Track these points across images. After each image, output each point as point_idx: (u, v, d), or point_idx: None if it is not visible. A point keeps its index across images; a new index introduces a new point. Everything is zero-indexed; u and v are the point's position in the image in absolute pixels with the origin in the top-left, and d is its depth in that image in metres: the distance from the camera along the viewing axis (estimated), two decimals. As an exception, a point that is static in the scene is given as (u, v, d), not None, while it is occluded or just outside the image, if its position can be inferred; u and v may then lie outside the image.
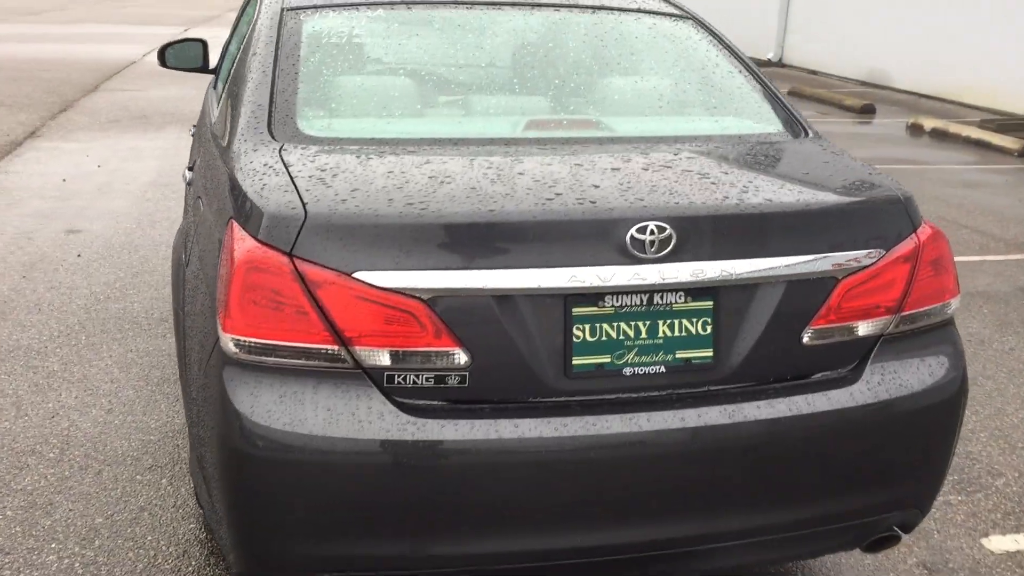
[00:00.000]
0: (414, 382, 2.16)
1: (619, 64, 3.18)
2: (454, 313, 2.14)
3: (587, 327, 2.22)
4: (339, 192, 2.21)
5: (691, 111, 3.05)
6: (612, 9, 3.36)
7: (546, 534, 2.21)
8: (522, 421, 2.16)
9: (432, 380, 2.16)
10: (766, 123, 2.97)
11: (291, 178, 2.28)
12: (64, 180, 7.92)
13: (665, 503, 2.25)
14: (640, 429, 2.19)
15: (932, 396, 2.44)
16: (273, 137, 2.54)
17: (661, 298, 2.25)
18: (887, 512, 2.51)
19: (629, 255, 2.18)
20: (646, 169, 2.43)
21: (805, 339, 2.35)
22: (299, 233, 2.11)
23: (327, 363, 2.13)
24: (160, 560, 3.03)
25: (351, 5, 3.18)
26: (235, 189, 2.36)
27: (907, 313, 2.45)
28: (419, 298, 2.12)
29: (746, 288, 2.29)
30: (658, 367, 2.27)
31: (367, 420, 2.11)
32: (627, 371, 2.25)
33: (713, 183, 2.37)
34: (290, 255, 2.11)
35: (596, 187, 2.29)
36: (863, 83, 16.14)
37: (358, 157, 2.43)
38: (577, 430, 2.17)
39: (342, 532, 2.17)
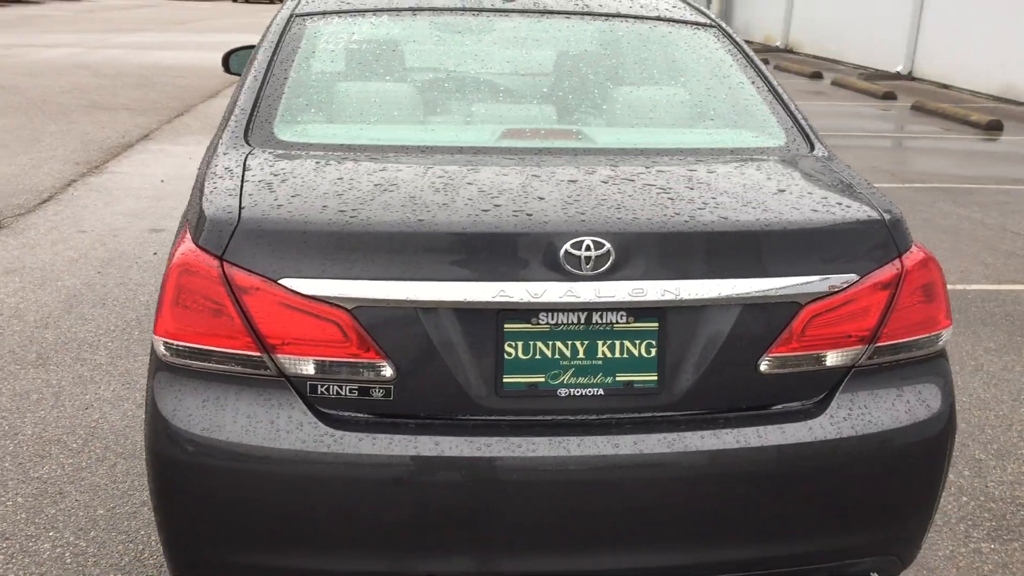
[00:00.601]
0: (338, 393, 2.13)
1: (617, 74, 3.08)
2: (379, 325, 2.09)
3: (519, 344, 2.14)
4: (279, 198, 2.19)
5: (685, 123, 2.92)
6: (626, 17, 3.25)
7: (459, 557, 2.13)
8: (444, 439, 2.10)
9: (356, 392, 2.12)
10: (768, 137, 2.81)
11: (241, 183, 2.28)
12: (162, 181, 8.24)
13: (590, 534, 2.14)
14: (568, 454, 2.10)
15: (908, 435, 2.26)
16: (247, 142, 2.56)
17: (601, 317, 2.15)
18: (855, 558, 2.33)
19: (563, 271, 2.09)
20: (605, 182, 2.33)
21: (763, 367, 2.21)
22: (231, 238, 2.11)
23: (250, 370, 2.12)
24: (146, 555, 3.08)
25: (360, 12, 3.18)
26: (194, 193, 2.38)
27: (884, 344, 2.27)
28: (343, 308, 2.08)
29: (696, 310, 2.17)
30: (596, 389, 2.17)
31: (285, 430, 2.09)
32: (562, 392, 2.16)
33: (671, 199, 2.25)
34: (221, 259, 2.11)
35: (541, 199, 2.21)
36: (996, 98, 15.31)
37: (317, 163, 2.42)
38: (501, 451, 2.09)
39: (260, 542, 2.15)
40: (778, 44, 23.79)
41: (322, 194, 2.21)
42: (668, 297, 2.12)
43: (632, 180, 2.36)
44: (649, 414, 2.19)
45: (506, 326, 2.13)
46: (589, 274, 2.09)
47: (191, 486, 2.13)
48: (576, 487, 2.11)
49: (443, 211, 2.14)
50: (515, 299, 2.08)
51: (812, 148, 2.78)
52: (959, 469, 3.80)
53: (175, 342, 2.13)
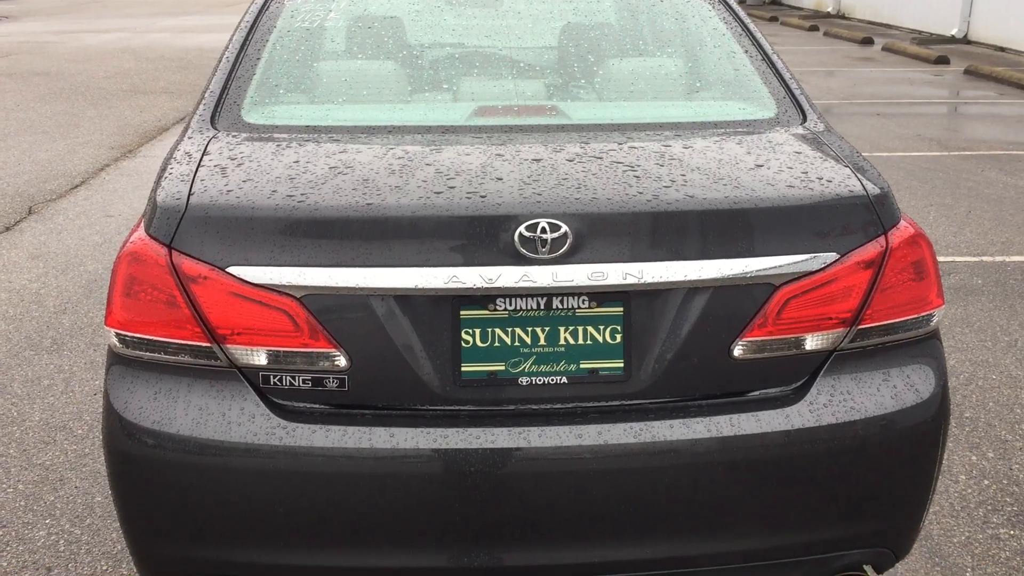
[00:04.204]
0: (291, 384, 2.07)
1: (600, 46, 2.96)
2: (330, 313, 2.03)
3: (477, 331, 2.05)
4: (230, 183, 2.13)
5: (670, 96, 2.79)
6: None
7: (417, 552, 2.06)
8: (400, 431, 2.03)
9: (310, 383, 2.06)
10: (757, 108, 2.68)
11: (196, 169, 2.22)
12: (194, 164, 8.27)
13: (553, 527, 2.06)
14: (528, 445, 2.01)
15: (894, 422, 2.13)
16: (213, 125, 2.50)
17: (562, 302, 2.06)
18: (841, 551, 2.22)
19: (518, 255, 2.00)
20: (571, 160, 2.23)
21: (736, 352, 2.10)
22: (178, 225, 2.05)
23: (201, 361, 2.07)
24: (138, 543, 3.07)
25: None
26: (155, 181, 2.33)
27: (868, 326, 2.15)
28: (292, 296, 2.02)
29: (662, 294, 2.06)
30: (559, 378, 2.08)
31: (236, 422, 2.03)
32: (523, 380, 2.08)
33: (637, 176, 2.15)
34: (169, 247, 2.05)
35: (499, 180, 2.11)
36: (1056, 60, 14.76)
37: (278, 146, 2.35)
38: (458, 443, 2.01)
39: (218, 538, 2.10)
40: (829, 10, 23.20)
41: (274, 178, 2.15)
42: (631, 281, 2.02)
43: (600, 158, 2.25)
44: (616, 403, 2.10)
45: (462, 313, 2.04)
46: (546, 257, 2.00)
47: (145, 482, 2.09)
48: (537, 479, 2.03)
49: (394, 194, 2.06)
50: (468, 285, 2.00)
51: (804, 119, 2.64)
52: (982, 451, 3.64)
53: (126, 333, 2.09)
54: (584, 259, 2.01)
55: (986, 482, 3.44)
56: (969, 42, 17.16)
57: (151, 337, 2.07)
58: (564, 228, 2.00)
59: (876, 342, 2.17)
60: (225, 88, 2.63)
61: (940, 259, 5.81)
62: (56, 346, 4.55)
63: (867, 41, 17.65)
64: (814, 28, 20.13)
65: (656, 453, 2.03)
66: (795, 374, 2.14)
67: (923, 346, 2.23)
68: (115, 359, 2.15)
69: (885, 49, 16.66)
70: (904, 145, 9.04)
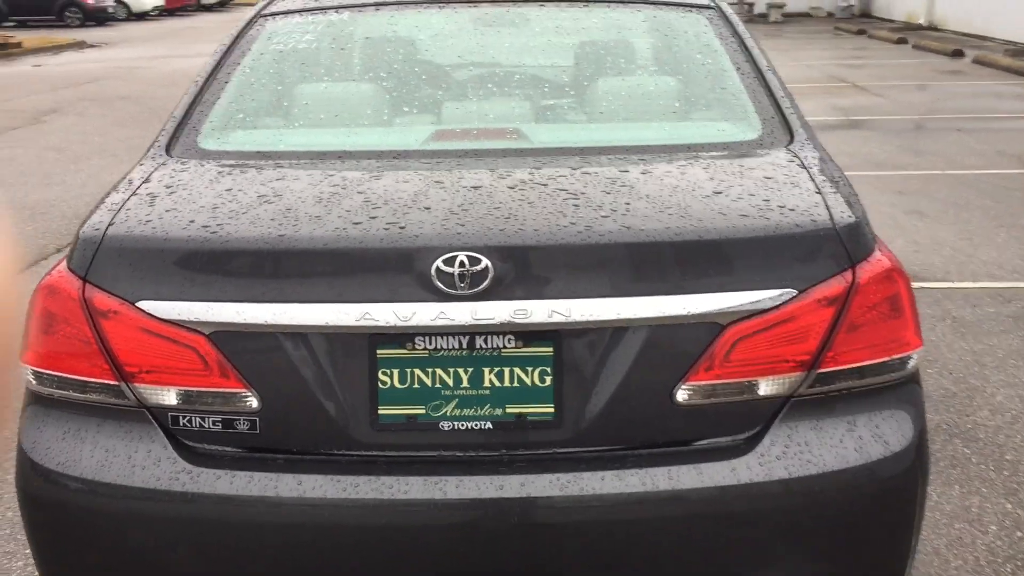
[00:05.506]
0: (201, 425, 1.96)
1: (578, 66, 2.80)
2: (240, 351, 1.92)
3: (395, 372, 1.92)
4: (152, 213, 2.04)
5: (648, 117, 2.61)
6: (606, 1, 2.96)
7: None
8: (309, 478, 1.90)
9: (220, 424, 1.95)
10: (740, 128, 2.49)
11: (129, 197, 2.15)
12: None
13: None
14: (444, 496, 1.86)
15: (857, 478, 1.92)
16: (168, 152, 2.43)
17: (485, 341, 1.91)
18: None
19: (435, 290, 1.86)
20: (512, 187, 2.08)
21: (680, 397, 1.92)
22: (93, 257, 1.98)
23: (111, 399, 1.98)
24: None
25: (322, 9, 3.01)
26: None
27: (830, 370, 1.94)
28: (200, 332, 1.91)
29: (596, 333, 1.90)
30: (483, 423, 1.93)
31: (141, 465, 1.93)
32: (445, 425, 1.93)
33: (576, 205, 1.98)
34: (84, 280, 1.97)
35: (426, 210, 1.98)
36: None
37: (219, 173, 2.26)
38: (368, 493, 1.87)
39: None
40: (920, 21, 22.47)
41: (198, 208, 2.05)
42: (558, 319, 1.86)
43: (545, 185, 2.10)
44: (546, 451, 1.93)
45: (379, 352, 1.91)
46: (465, 293, 1.85)
47: (52, 524, 2.01)
48: (447, 534, 1.88)
49: (310, 225, 1.94)
50: (381, 322, 1.86)
51: (791, 140, 2.43)
52: (1020, 498, 3.34)
53: (41, 370, 2.01)
54: (507, 295, 1.86)
55: (1019, 534, 3.14)
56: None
57: (62, 374, 1.99)
58: (485, 262, 1.85)
59: (841, 387, 1.96)
60: (187, 113, 2.57)
61: (1001, 284, 5.45)
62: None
63: (957, 53, 16.99)
64: (902, 41, 19.48)
65: (580, 508, 1.86)
66: (747, 422, 1.95)
67: (897, 392, 2.01)
68: (31, 397, 2.08)
69: (976, 62, 16.00)
70: (982, 162, 8.59)
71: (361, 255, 1.89)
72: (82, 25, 29.72)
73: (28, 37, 23.44)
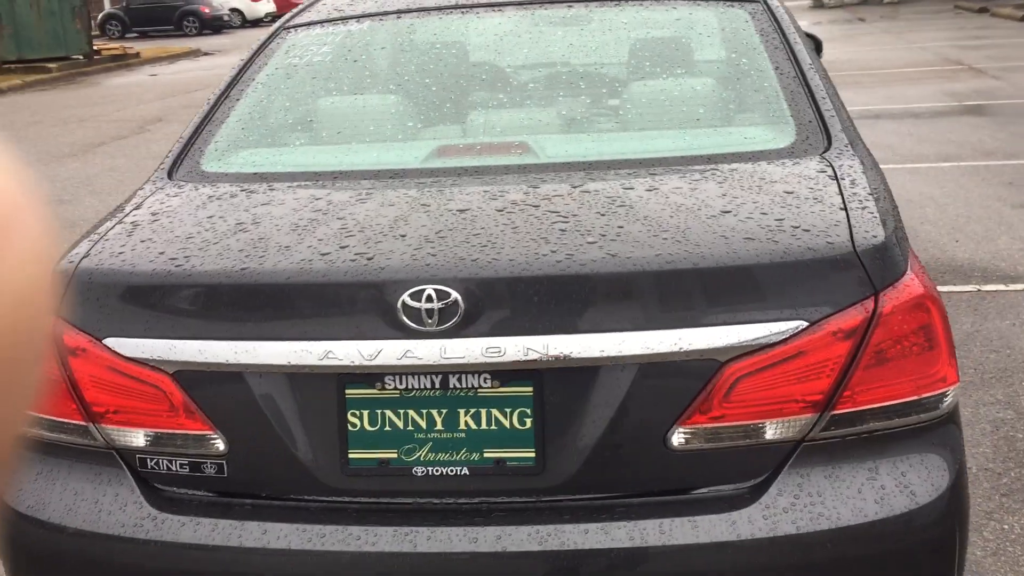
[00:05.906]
0: (169, 468, 1.87)
1: (596, 71, 2.61)
2: (205, 391, 1.82)
3: (365, 413, 1.79)
4: (127, 244, 1.96)
5: (672, 125, 2.40)
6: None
7: None
8: (274, 526, 1.79)
9: (187, 467, 1.86)
10: (772, 135, 2.26)
11: (114, 226, 2.08)
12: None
13: None
14: (413, 550, 1.72)
15: (877, 533, 1.69)
16: (170, 176, 2.36)
17: (460, 381, 1.76)
18: None
19: (402, 327, 1.72)
20: (500, 210, 1.92)
21: (675, 441, 1.73)
22: (65, 291, 1.91)
23: (79, 440, 1.91)
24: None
25: (344, 19, 2.90)
26: None
27: (846, 411, 1.72)
28: (164, 372, 1.82)
29: (580, 372, 1.73)
30: (460, 468, 1.78)
31: (107, 510, 1.86)
32: (418, 470, 1.79)
33: (564, 230, 1.81)
34: (56, 315, 1.90)
35: (401, 238, 1.84)
36: None
37: (209, 198, 2.17)
38: (334, 544, 1.75)
39: None
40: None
41: (172, 238, 1.96)
42: (533, 356, 1.69)
43: (537, 206, 1.93)
44: (528, 499, 1.77)
45: (348, 392, 1.78)
46: (433, 330, 1.71)
47: (25, 568, 1.95)
48: (415, 592, 1.73)
49: (275, 256, 1.83)
50: (346, 361, 1.73)
51: (828, 147, 2.20)
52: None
53: (16, 407, 1.95)
54: (479, 331, 1.71)
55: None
56: None
57: (34, 414, 1.93)
58: (454, 295, 1.70)
59: (861, 430, 1.74)
60: (195, 133, 2.49)
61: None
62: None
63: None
64: (983, 10, 18.42)
65: (560, 566, 1.69)
66: (752, 469, 1.75)
67: (931, 434, 1.78)
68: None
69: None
70: (1106, 150, 7.96)
71: (324, 290, 1.76)
72: (199, 34, 30.69)
73: (147, 47, 24.31)
